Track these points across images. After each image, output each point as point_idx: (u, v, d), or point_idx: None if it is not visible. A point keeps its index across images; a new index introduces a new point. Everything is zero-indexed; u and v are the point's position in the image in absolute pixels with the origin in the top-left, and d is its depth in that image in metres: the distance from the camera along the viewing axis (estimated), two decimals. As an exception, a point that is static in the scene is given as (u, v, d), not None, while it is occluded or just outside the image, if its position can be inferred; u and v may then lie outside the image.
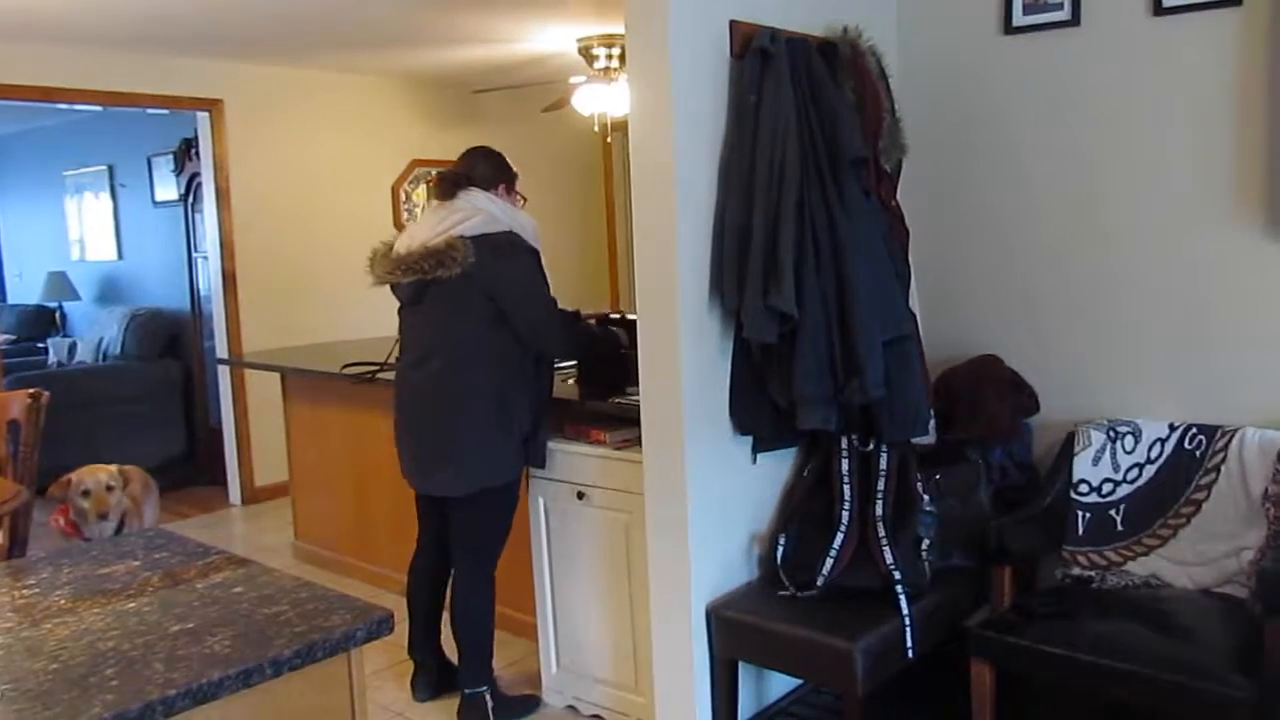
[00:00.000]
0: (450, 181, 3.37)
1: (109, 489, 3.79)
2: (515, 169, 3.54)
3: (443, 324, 3.32)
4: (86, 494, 3.76)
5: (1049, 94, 3.37)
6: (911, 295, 3.27)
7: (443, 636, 3.70)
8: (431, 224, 3.30)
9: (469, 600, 3.45)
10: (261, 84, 6.49)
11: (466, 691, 3.46)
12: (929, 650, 2.93)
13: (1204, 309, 3.15)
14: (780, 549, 3.06)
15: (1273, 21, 2.95)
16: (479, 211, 3.28)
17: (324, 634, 1.67)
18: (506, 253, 3.28)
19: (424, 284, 3.28)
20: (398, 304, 3.50)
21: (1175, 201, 3.17)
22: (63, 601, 1.86)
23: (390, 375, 4.29)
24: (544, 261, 3.41)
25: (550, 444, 3.47)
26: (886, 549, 2.95)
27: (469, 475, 3.32)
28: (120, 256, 8.23)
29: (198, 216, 6.96)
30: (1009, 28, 3.42)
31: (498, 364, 3.30)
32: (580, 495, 3.40)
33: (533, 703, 3.64)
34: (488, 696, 3.46)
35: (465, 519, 3.42)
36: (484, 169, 3.43)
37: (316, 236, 6.61)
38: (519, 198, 3.55)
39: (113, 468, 3.88)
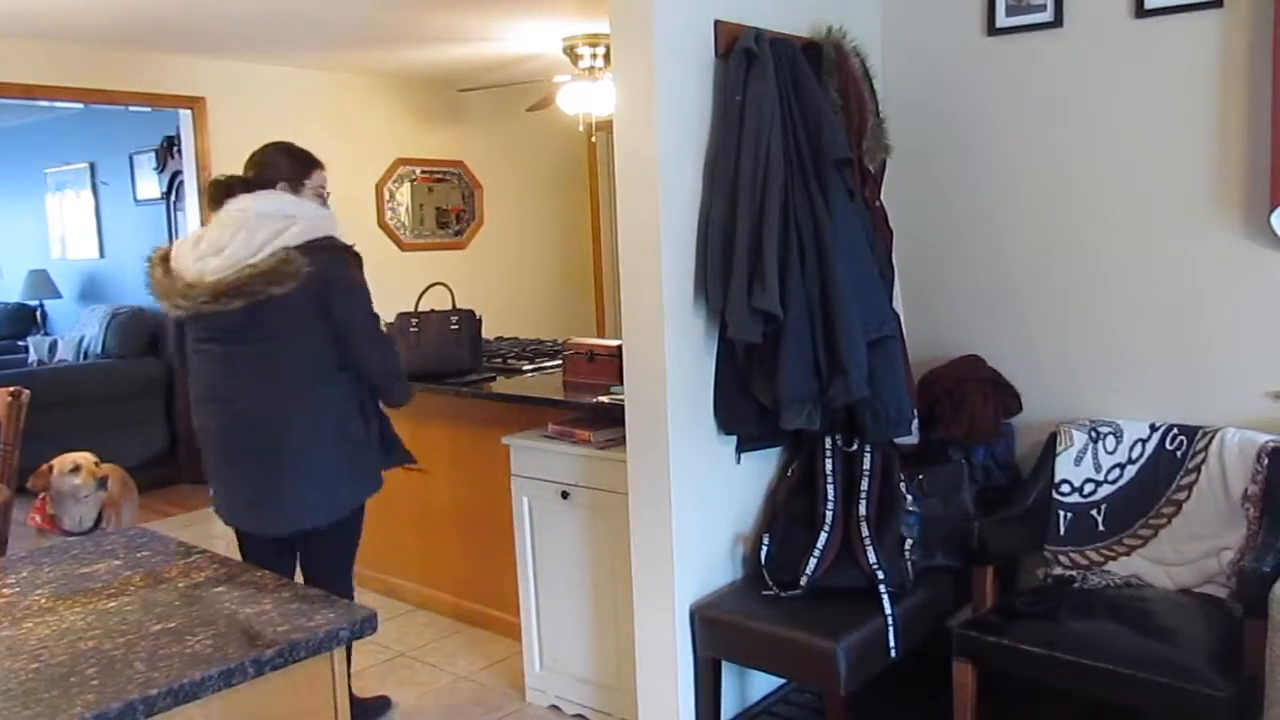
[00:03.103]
0: (225, 186, 3.02)
1: (96, 464, 3.81)
2: (308, 159, 3.16)
3: (278, 346, 2.93)
4: (77, 469, 3.76)
5: (1032, 95, 3.39)
6: (895, 295, 3.27)
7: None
8: (245, 238, 2.85)
9: None
10: (244, 81, 6.47)
11: None
12: (912, 649, 2.94)
13: (1185, 309, 3.17)
14: (764, 548, 3.07)
15: (1254, 23, 2.97)
16: (299, 217, 2.92)
17: (306, 634, 1.66)
18: (334, 258, 2.94)
19: (253, 307, 2.84)
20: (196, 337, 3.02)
21: (1157, 203, 3.19)
22: (43, 600, 1.85)
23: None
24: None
25: (534, 443, 3.47)
26: (870, 549, 2.96)
27: (328, 505, 3.04)
28: (102, 255, 8.18)
29: (180, 214, 6.92)
30: (992, 29, 3.43)
31: (341, 382, 3.01)
32: (564, 494, 3.39)
33: (383, 704, 3.61)
34: None
35: (325, 549, 3.17)
36: (267, 170, 3.08)
37: (300, 235, 6.57)
38: (317, 193, 3.15)
39: (89, 453, 3.89)
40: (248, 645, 1.62)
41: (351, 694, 3.37)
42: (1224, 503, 2.98)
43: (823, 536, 3.02)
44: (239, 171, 3.13)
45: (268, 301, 2.84)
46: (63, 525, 3.77)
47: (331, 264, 2.92)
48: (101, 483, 3.79)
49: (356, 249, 3.04)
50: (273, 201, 2.97)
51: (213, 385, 3.02)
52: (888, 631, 2.84)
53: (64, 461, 3.79)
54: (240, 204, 2.94)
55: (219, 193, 3.00)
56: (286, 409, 2.96)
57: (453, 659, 4.02)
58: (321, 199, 3.17)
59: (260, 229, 2.88)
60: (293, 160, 3.14)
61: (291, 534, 3.09)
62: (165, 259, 2.98)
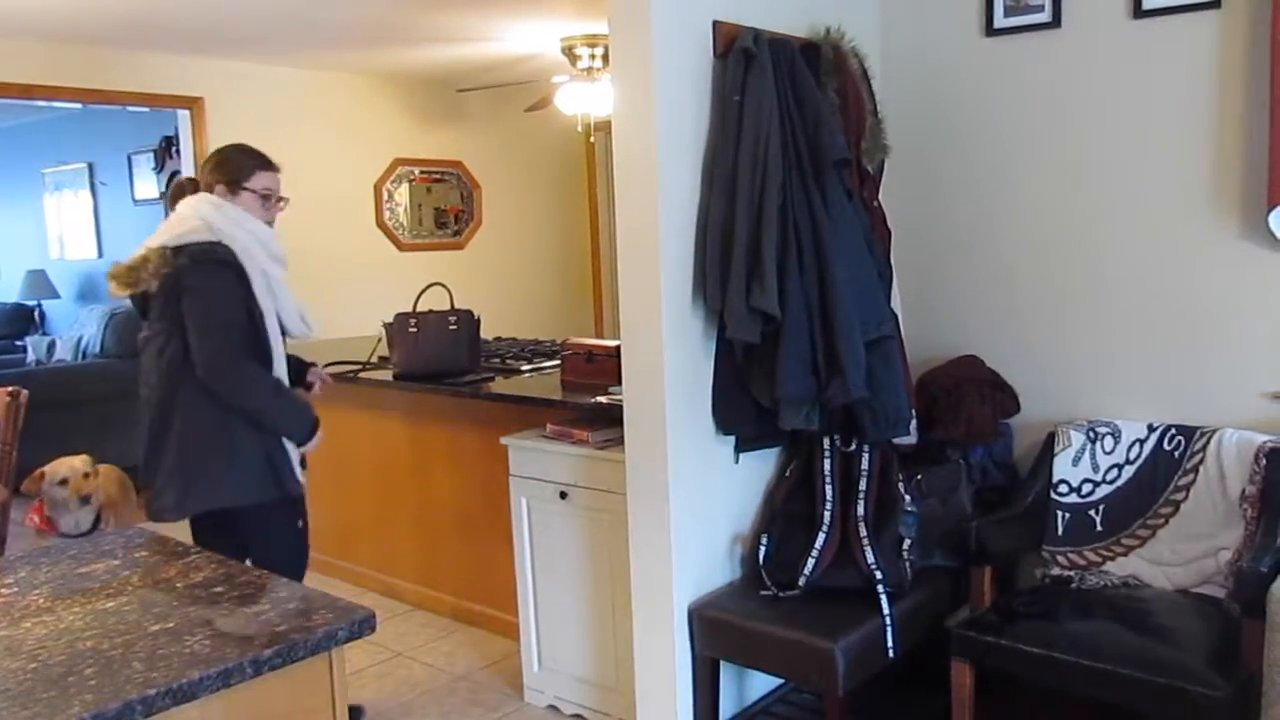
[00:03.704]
0: (178, 186, 3.18)
1: (85, 476, 3.78)
2: (248, 166, 3.14)
3: (156, 340, 3.06)
4: (64, 483, 3.74)
5: (1030, 96, 3.39)
6: (893, 296, 3.27)
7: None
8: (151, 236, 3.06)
9: None
10: (243, 82, 6.47)
11: None
12: (910, 649, 2.94)
13: (1183, 310, 3.18)
14: (762, 549, 3.07)
15: (1251, 24, 2.98)
16: (193, 218, 3.00)
17: (305, 634, 1.66)
18: (197, 263, 2.96)
19: (142, 298, 3.06)
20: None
21: (1155, 203, 3.19)
22: (41, 600, 1.85)
23: (373, 375, 4.30)
24: (279, 274, 3.11)
25: (532, 443, 3.47)
26: (868, 549, 2.96)
27: (188, 500, 3.05)
28: (100, 254, 8.19)
29: (178, 214, 6.92)
30: (990, 29, 3.43)
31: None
32: (563, 495, 3.39)
33: (356, 714, 3.50)
34: None
35: (249, 545, 3.14)
36: (206, 171, 3.15)
37: (297, 235, 6.51)
38: (262, 199, 3.15)
39: (84, 457, 3.87)
40: (246, 645, 1.62)
41: None
42: (1222, 503, 2.98)
43: (821, 537, 3.02)
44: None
45: (145, 295, 3.03)
46: (59, 529, 3.75)
47: (191, 271, 2.96)
48: (85, 500, 3.75)
49: (247, 265, 3.01)
50: (188, 204, 3.07)
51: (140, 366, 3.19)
52: (886, 632, 2.84)
53: (54, 471, 3.77)
54: (178, 206, 3.09)
55: (175, 193, 3.15)
56: (168, 396, 3.04)
57: (451, 659, 4.02)
58: (267, 201, 3.17)
59: (165, 229, 3.05)
60: (238, 160, 3.15)
61: (179, 519, 3.12)
62: None
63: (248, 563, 2.89)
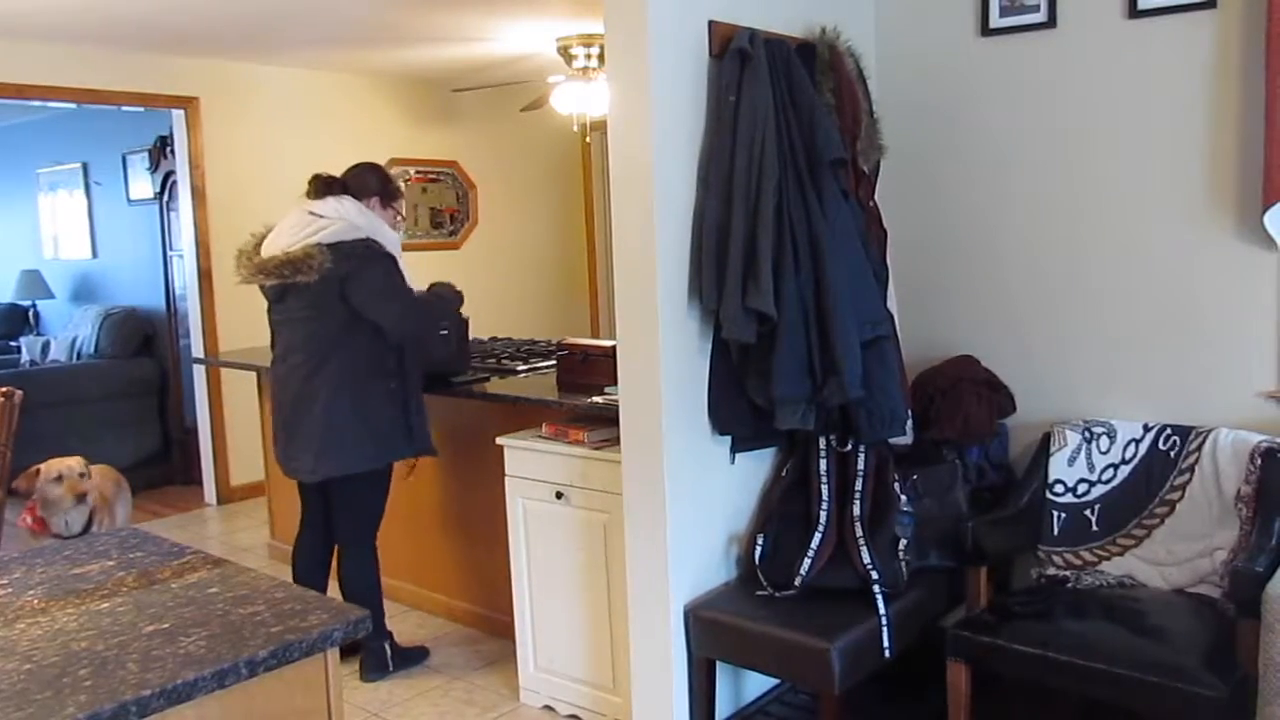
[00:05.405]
0: (323, 182, 3.58)
1: (81, 475, 3.78)
2: (399, 190, 3.81)
3: (303, 323, 3.54)
4: (59, 479, 3.73)
5: (1026, 96, 3.39)
6: (889, 296, 3.28)
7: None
8: (293, 229, 3.47)
9: (358, 570, 3.74)
10: (237, 81, 6.46)
11: (371, 645, 3.83)
12: (906, 650, 2.94)
13: (1179, 310, 3.18)
14: (758, 549, 3.07)
15: (1247, 24, 2.98)
16: (339, 220, 3.46)
17: (300, 634, 1.66)
18: (360, 258, 3.47)
19: (285, 287, 3.46)
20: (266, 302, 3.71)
21: (1150, 203, 3.20)
22: (36, 601, 1.84)
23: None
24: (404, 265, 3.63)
25: (528, 443, 3.46)
26: (864, 549, 2.96)
27: (323, 463, 3.53)
28: (95, 255, 8.16)
29: (173, 214, 6.90)
30: (986, 29, 3.43)
31: (353, 361, 3.52)
32: (559, 495, 3.39)
33: (423, 653, 4.02)
34: (387, 647, 3.86)
35: (340, 502, 3.70)
36: (363, 179, 3.67)
37: (294, 235, 6.56)
38: (395, 216, 3.75)
39: (79, 458, 3.86)
40: (241, 646, 1.61)
41: (397, 644, 3.84)
42: (1217, 503, 2.99)
43: (817, 537, 3.02)
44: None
45: (294, 285, 3.41)
46: (51, 529, 3.75)
47: (356, 261, 3.44)
48: (80, 498, 3.76)
49: (395, 255, 3.58)
50: (331, 206, 3.51)
51: (275, 345, 3.68)
52: (882, 632, 2.84)
53: (50, 468, 3.77)
54: (316, 204, 3.52)
55: (323, 187, 3.57)
56: (311, 374, 3.51)
57: (447, 659, 4.02)
58: (398, 219, 3.78)
59: (306, 225, 3.44)
60: (394, 185, 3.76)
61: (314, 482, 3.61)
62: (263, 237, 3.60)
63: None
